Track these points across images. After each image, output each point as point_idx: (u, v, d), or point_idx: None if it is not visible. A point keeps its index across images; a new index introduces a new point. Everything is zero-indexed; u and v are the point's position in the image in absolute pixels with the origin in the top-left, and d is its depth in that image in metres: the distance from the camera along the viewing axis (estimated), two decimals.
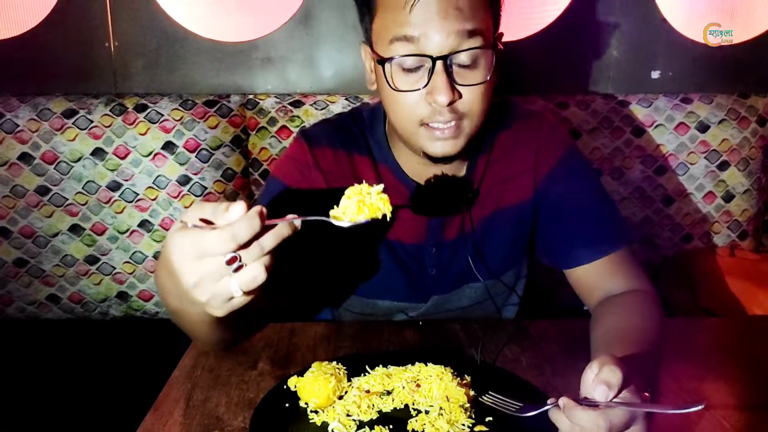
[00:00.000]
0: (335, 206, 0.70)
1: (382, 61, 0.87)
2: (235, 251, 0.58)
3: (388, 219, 0.70)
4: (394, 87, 0.87)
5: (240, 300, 0.61)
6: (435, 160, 0.92)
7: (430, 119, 0.87)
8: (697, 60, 1.82)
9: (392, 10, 0.84)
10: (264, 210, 0.60)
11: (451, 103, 0.85)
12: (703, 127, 1.70)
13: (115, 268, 1.65)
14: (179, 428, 0.72)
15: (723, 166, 1.71)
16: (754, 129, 1.71)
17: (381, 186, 0.69)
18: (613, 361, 0.62)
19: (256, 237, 0.59)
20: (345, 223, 0.68)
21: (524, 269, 1.11)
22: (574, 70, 1.84)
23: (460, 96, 0.86)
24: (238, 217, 0.58)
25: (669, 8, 1.79)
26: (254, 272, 0.59)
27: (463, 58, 0.84)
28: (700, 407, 0.55)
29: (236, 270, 0.59)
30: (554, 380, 0.82)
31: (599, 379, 0.61)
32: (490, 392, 0.72)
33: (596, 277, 0.96)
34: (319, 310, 1.29)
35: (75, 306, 1.67)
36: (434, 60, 0.83)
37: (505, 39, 0.95)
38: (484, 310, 1.08)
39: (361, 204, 0.68)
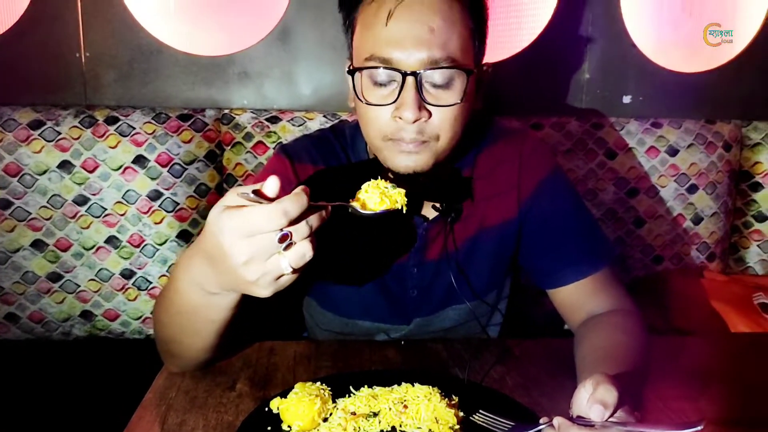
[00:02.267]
0: (350, 200, 0.71)
1: (352, 71, 0.87)
2: (284, 229, 0.60)
3: (404, 211, 0.71)
4: (363, 100, 0.86)
5: (288, 278, 0.63)
6: (401, 177, 0.87)
7: (394, 135, 0.85)
8: (666, 86, 1.88)
9: (368, 29, 0.85)
10: (307, 188, 0.62)
11: (417, 121, 0.83)
12: (673, 151, 1.74)
13: (79, 286, 1.59)
14: None
15: (692, 189, 1.75)
16: (720, 154, 1.77)
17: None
18: (608, 380, 0.61)
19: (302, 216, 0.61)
20: (366, 212, 0.69)
21: (507, 288, 1.10)
22: (548, 92, 1.87)
23: (430, 115, 0.84)
24: (275, 189, 0.61)
25: (639, 36, 1.85)
26: (303, 249, 0.62)
27: (435, 77, 0.83)
28: (699, 428, 0.55)
29: (286, 248, 0.61)
30: (541, 400, 0.81)
31: (595, 398, 0.60)
32: (480, 411, 0.70)
33: (580, 297, 0.96)
34: (295, 328, 1.26)
35: (35, 326, 1.60)
36: (404, 75, 0.82)
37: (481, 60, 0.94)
38: (468, 331, 1.06)
39: (382, 196, 0.69)
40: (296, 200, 0.60)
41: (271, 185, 0.61)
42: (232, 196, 0.62)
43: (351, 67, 0.89)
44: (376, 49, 0.83)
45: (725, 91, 1.90)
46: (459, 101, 0.84)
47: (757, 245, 1.83)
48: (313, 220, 0.62)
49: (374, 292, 1.03)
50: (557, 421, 0.60)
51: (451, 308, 1.05)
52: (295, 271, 0.62)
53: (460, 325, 1.06)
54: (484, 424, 0.69)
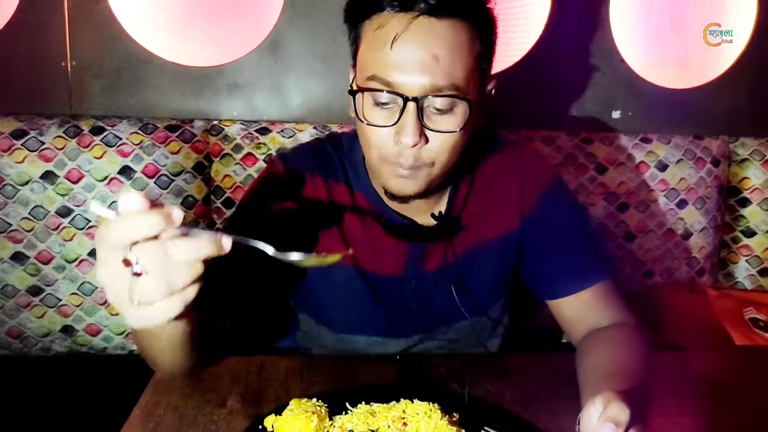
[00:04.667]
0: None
1: (353, 91, 0.86)
2: (133, 249, 0.51)
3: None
4: (363, 120, 0.85)
5: (146, 315, 0.53)
6: (393, 197, 0.90)
7: (393, 158, 0.85)
8: (654, 101, 1.89)
9: (373, 49, 0.83)
10: (177, 214, 0.52)
11: (416, 146, 0.82)
12: (662, 166, 1.75)
13: (60, 300, 1.54)
14: None
15: (681, 204, 1.76)
16: (709, 169, 1.78)
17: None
18: (619, 397, 0.60)
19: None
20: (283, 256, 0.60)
21: (510, 301, 1.08)
22: (538, 107, 1.87)
23: (428, 141, 0.83)
24: (135, 207, 0.51)
25: (628, 52, 1.87)
26: (150, 284, 0.52)
27: (437, 103, 0.81)
28: None
29: (136, 274, 0.51)
30: (541, 416, 0.79)
31: (606, 416, 0.58)
32: (486, 428, 0.68)
33: (581, 310, 0.94)
34: (290, 347, 1.23)
35: (13, 341, 1.54)
36: (406, 100, 0.80)
37: None
38: (469, 344, 1.04)
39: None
40: (145, 218, 0.50)
41: (124, 202, 0.51)
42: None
43: (353, 86, 0.88)
44: (379, 71, 0.82)
45: (713, 106, 1.92)
46: (459, 129, 0.83)
47: (746, 260, 1.83)
48: (178, 249, 0.52)
49: (371, 305, 1.00)
50: None
51: (451, 322, 1.02)
52: (146, 304, 0.53)
53: (461, 339, 1.04)
54: None
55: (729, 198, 1.84)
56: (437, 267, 0.99)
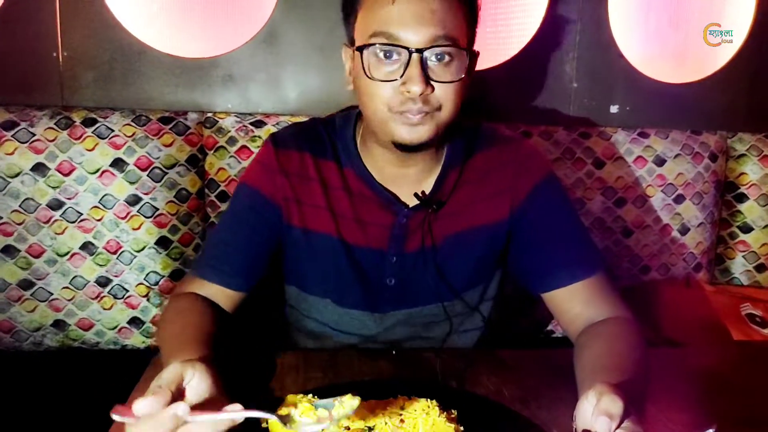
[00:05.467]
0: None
1: (360, 48, 0.89)
2: None
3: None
4: (369, 75, 0.88)
5: None
6: (404, 148, 0.92)
7: (401, 107, 0.88)
8: (652, 96, 1.88)
9: (373, 9, 0.88)
10: (182, 409, 0.59)
11: (422, 94, 0.86)
12: (660, 161, 1.74)
13: (52, 294, 1.52)
14: None
15: (679, 199, 1.75)
16: (707, 164, 1.77)
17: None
18: (612, 389, 0.59)
19: None
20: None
21: (491, 291, 1.09)
22: (536, 101, 1.86)
23: (433, 90, 0.88)
24: (147, 411, 0.59)
25: (626, 46, 1.85)
26: None
27: (437, 55, 0.87)
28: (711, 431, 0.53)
29: None
30: (540, 413, 0.78)
31: (600, 409, 0.57)
32: None
33: (576, 303, 0.94)
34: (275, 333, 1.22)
35: (4, 335, 1.52)
36: (410, 52, 0.86)
37: None
38: (443, 331, 1.04)
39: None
40: (157, 422, 0.59)
41: (139, 408, 0.59)
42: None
43: (357, 46, 0.91)
44: (382, 27, 0.87)
45: (710, 102, 1.91)
46: (459, 78, 0.89)
47: (742, 256, 1.83)
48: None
49: (350, 275, 1.02)
50: None
51: (426, 302, 1.04)
52: None
53: (439, 323, 1.05)
54: None
55: (726, 193, 1.83)
56: (418, 247, 1.00)
